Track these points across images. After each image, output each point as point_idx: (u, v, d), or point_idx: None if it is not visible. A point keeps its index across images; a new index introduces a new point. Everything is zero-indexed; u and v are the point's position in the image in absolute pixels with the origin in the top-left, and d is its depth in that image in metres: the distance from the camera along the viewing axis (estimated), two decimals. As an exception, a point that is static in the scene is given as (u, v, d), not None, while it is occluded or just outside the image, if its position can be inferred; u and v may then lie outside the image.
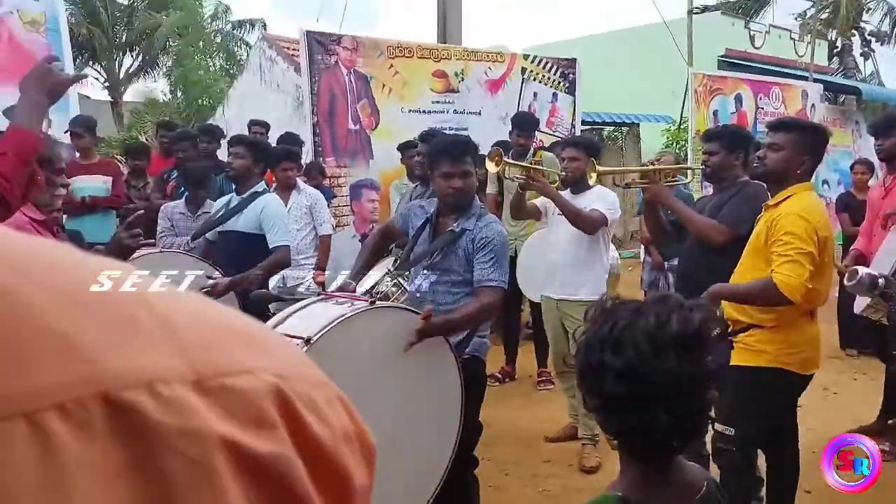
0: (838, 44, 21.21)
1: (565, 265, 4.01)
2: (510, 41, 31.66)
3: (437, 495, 2.60)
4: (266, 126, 6.16)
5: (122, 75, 20.49)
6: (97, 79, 20.10)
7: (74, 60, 8.09)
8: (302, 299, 2.67)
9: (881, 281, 2.82)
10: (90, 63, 19.26)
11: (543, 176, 4.07)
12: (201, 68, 18.65)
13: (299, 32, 6.07)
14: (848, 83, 16.51)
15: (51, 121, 5.25)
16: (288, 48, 10.22)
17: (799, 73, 13.88)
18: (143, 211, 3.06)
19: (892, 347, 3.00)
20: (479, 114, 6.75)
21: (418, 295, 2.83)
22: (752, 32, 17.45)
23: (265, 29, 19.32)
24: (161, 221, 4.63)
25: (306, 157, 5.80)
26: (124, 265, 0.34)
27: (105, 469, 0.27)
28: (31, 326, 0.27)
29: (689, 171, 5.30)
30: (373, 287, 2.92)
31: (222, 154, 5.12)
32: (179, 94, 18.84)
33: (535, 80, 7.18)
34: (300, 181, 4.94)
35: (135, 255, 2.88)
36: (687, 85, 9.00)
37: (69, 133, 5.13)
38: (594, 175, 3.86)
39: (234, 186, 3.97)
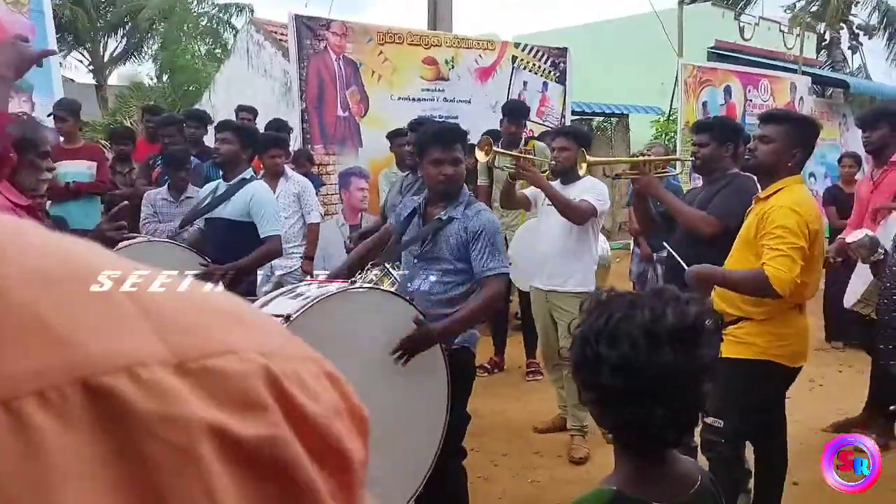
0: (827, 37, 21.30)
1: (554, 256, 4.00)
2: (501, 29, 31.53)
3: (426, 487, 2.59)
4: (254, 112, 6.10)
5: (106, 58, 20.21)
6: (81, 61, 19.86)
7: (58, 42, 7.96)
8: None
9: (881, 250, 2.86)
10: (74, 46, 19.00)
11: (533, 165, 4.05)
12: (188, 52, 18.43)
13: (288, 16, 5.99)
14: (836, 76, 16.60)
15: (34, 104, 5.18)
16: (276, 32, 10.10)
17: (788, 65, 13.92)
18: (126, 203, 3.02)
19: (880, 341, 3.01)
20: (469, 102, 6.71)
21: (410, 288, 2.80)
22: (741, 24, 17.47)
23: (252, 13, 19.12)
24: (144, 209, 4.58)
25: (294, 143, 5.75)
26: (100, 248, 0.32)
27: (87, 458, 0.26)
28: (3, 307, 0.26)
29: (678, 163, 5.32)
30: (358, 274, 2.90)
31: (209, 140, 5.06)
32: (165, 78, 18.62)
33: (525, 68, 7.15)
34: (288, 168, 4.89)
35: (120, 244, 2.84)
36: (677, 76, 9.00)
37: (52, 117, 5.05)
38: (584, 165, 3.85)
39: (221, 173, 3.92)
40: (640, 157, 3.79)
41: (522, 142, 5.24)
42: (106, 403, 0.26)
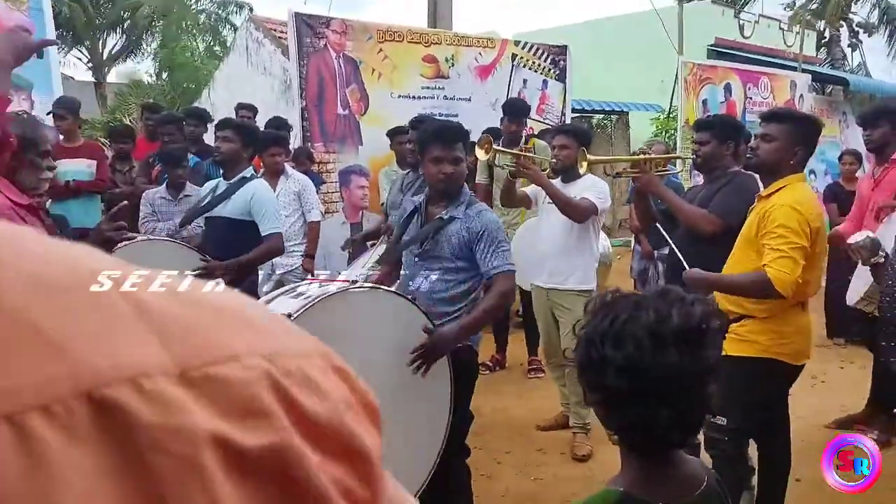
0: (826, 34, 21.29)
1: (555, 254, 4.00)
2: (501, 27, 31.50)
3: (429, 484, 2.59)
4: (254, 110, 6.08)
5: (105, 56, 20.18)
6: (80, 59, 19.82)
7: (57, 40, 7.94)
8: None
9: (881, 253, 2.86)
10: (73, 43, 18.96)
11: (534, 163, 4.05)
12: (188, 50, 18.40)
13: (287, 14, 5.98)
14: (836, 74, 16.58)
15: (33, 102, 5.17)
16: (275, 30, 10.09)
17: (787, 63, 13.91)
18: (126, 202, 3.01)
19: (881, 338, 3.01)
20: (469, 100, 6.71)
21: (411, 287, 2.80)
22: (741, 22, 17.46)
23: (252, 10, 19.09)
24: (143, 208, 4.57)
25: (294, 142, 5.74)
26: (100, 254, 0.32)
27: (92, 471, 0.25)
28: (3, 319, 0.25)
29: (678, 161, 5.31)
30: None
31: (209, 138, 5.05)
32: (164, 75, 18.59)
33: (525, 66, 7.14)
34: (288, 167, 4.89)
35: (119, 244, 2.84)
36: (677, 74, 8.99)
37: (52, 115, 5.03)
38: (585, 164, 3.85)
39: (221, 171, 3.91)
40: (641, 156, 3.78)
41: (523, 140, 5.24)
42: (110, 416, 0.26)
